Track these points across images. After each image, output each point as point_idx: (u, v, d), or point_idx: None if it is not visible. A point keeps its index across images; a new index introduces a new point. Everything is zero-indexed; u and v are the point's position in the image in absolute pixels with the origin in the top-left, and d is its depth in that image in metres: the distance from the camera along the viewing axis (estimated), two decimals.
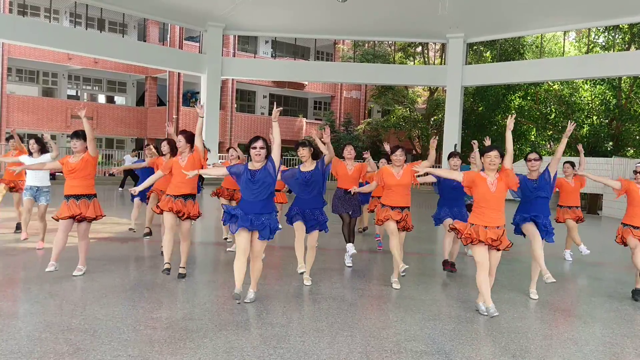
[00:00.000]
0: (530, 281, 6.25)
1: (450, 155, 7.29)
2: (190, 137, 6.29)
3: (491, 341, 4.65)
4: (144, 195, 8.55)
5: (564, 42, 24.73)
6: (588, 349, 4.56)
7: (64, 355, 3.86)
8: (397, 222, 6.18)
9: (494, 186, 5.18)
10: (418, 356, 4.18)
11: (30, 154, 7.83)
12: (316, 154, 6.26)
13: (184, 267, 6.35)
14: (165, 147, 7.31)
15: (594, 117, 26.58)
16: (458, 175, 5.50)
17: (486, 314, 5.24)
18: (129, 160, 17.62)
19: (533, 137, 29.81)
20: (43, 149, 7.83)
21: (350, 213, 7.29)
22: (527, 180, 6.21)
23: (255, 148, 5.21)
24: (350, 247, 7.31)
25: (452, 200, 6.98)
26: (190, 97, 29.68)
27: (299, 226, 6.17)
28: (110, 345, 4.09)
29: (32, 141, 7.85)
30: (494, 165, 5.22)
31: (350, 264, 7.36)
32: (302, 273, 6.06)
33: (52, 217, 6.23)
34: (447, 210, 6.99)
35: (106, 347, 4.06)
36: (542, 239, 6.13)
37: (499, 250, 5.27)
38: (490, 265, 5.28)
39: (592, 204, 22.51)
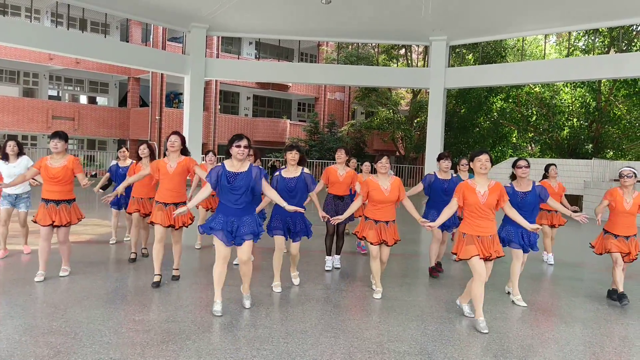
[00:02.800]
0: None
1: (441, 157, 7.06)
2: (183, 140, 6.00)
3: (473, 341, 4.69)
4: (119, 204, 8.08)
5: (545, 45, 25.06)
6: (568, 348, 4.62)
7: (44, 359, 3.81)
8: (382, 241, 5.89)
9: (484, 197, 4.96)
10: (401, 356, 4.20)
11: (6, 158, 7.06)
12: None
13: (177, 269, 6.33)
14: (144, 150, 7.11)
15: (574, 120, 26.98)
16: (455, 205, 5.14)
17: (472, 316, 5.23)
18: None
19: (514, 139, 30.19)
20: (20, 152, 7.14)
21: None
22: (515, 192, 5.91)
23: (239, 147, 4.85)
24: (329, 261, 7.24)
25: (441, 203, 6.68)
26: (174, 98, 29.48)
27: (278, 240, 5.97)
28: (91, 348, 4.05)
29: (12, 143, 7.08)
30: (484, 168, 4.99)
31: (329, 268, 7.26)
32: (278, 292, 5.95)
33: (32, 220, 6.13)
34: (435, 213, 6.65)
35: (87, 350, 4.02)
36: (526, 252, 5.97)
37: (491, 260, 5.08)
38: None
39: (572, 205, 22.83)
